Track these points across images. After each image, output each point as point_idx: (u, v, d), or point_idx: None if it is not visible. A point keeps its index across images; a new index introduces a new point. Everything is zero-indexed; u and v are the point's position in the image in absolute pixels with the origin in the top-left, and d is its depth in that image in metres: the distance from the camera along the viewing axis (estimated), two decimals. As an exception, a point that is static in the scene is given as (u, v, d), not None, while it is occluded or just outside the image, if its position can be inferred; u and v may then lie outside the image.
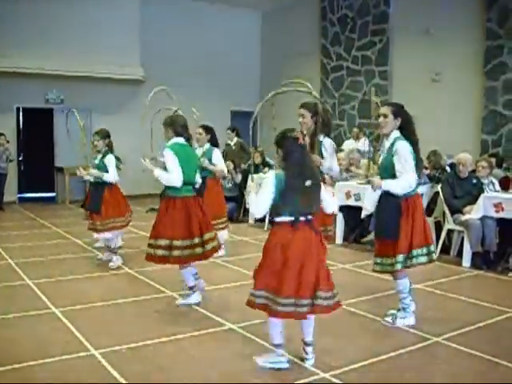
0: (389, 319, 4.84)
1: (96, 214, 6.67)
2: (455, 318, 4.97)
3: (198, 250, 5.07)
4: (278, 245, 3.69)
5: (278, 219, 3.74)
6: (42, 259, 7.27)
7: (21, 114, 14.18)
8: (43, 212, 11.64)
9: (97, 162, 6.79)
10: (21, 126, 14.31)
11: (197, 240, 5.06)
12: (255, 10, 16.02)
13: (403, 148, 4.55)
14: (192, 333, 4.50)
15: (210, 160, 7.18)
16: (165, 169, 5.15)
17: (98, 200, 6.66)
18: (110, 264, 6.75)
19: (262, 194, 3.73)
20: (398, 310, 4.86)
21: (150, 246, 5.11)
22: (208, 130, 7.40)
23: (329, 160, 5.43)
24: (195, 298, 5.32)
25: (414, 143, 4.66)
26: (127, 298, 5.49)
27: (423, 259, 4.67)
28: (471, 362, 4.02)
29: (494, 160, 8.24)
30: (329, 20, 14.00)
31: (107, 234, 6.77)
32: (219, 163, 7.29)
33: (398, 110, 4.68)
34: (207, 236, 5.14)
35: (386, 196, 4.68)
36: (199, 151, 7.15)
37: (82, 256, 7.48)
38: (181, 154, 5.10)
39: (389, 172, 4.63)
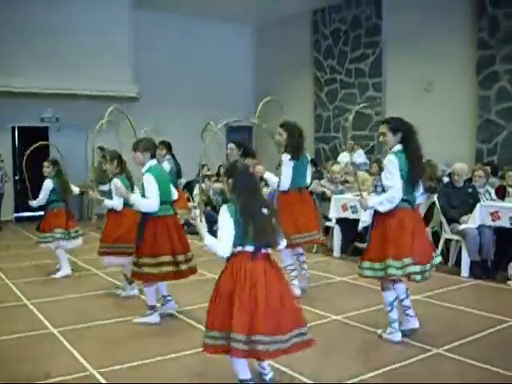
0: (379, 331, 4.84)
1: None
2: (455, 329, 4.97)
3: (176, 267, 5.13)
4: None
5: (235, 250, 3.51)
6: (39, 278, 7.24)
7: (16, 133, 14.18)
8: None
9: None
10: (16, 146, 14.32)
11: (181, 257, 5.14)
12: (248, 25, 16.09)
13: (388, 162, 4.57)
14: (194, 349, 4.45)
15: None
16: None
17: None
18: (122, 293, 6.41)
19: (223, 234, 3.46)
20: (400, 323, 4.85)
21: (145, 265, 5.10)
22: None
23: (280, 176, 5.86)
24: (154, 318, 5.30)
25: (413, 157, 4.61)
26: (125, 316, 5.46)
27: (418, 277, 4.57)
28: (473, 372, 4.00)
29: (488, 168, 8.27)
30: (321, 33, 14.08)
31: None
32: None
33: (396, 126, 4.65)
34: (189, 255, 5.25)
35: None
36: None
37: (79, 274, 7.45)
38: (159, 176, 5.14)
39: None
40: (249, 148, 7.45)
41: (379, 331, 4.84)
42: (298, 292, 6.01)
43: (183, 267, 5.16)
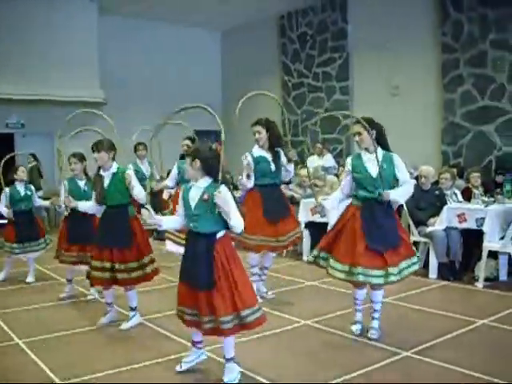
0: (373, 332, 4.85)
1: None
2: (424, 331, 4.98)
3: (148, 269, 5.13)
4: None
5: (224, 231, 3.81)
6: (4, 288, 7.08)
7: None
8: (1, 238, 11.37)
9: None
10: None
11: (147, 259, 5.13)
12: (214, 30, 16.08)
13: (398, 159, 4.83)
14: (162, 358, 4.41)
15: None
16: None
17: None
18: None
19: (236, 209, 3.70)
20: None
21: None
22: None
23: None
24: (137, 318, 5.31)
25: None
26: (92, 325, 5.36)
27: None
28: (443, 374, 4.01)
29: (455, 170, 8.36)
30: (288, 37, 14.12)
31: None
32: None
33: (370, 124, 4.72)
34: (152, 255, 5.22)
35: (380, 204, 4.70)
36: None
37: (43, 284, 7.32)
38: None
39: (390, 184, 4.75)
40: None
41: (372, 332, 4.85)
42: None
43: (148, 269, 5.14)
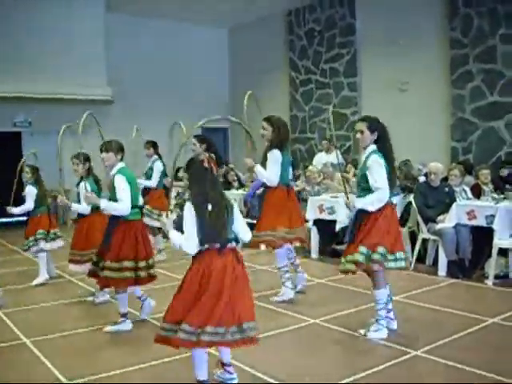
0: (362, 331, 4.82)
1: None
2: (434, 330, 4.94)
3: (136, 273, 5.04)
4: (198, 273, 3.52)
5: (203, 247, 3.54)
6: (12, 287, 7.09)
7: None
8: (13, 238, 11.38)
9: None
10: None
11: (142, 264, 5.05)
12: (221, 27, 16.02)
13: (376, 162, 4.63)
14: (165, 359, 4.37)
15: None
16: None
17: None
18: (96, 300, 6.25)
19: (187, 229, 3.51)
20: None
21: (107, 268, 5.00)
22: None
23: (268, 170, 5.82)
24: (126, 325, 5.21)
25: (390, 157, 4.76)
26: (98, 325, 5.34)
27: (392, 264, 4.69)
28: (452, 374, 3.98)
29: (462, 167, 8.29)
30: (296, 34, 14.06)
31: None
32: None
33: (374, 125, 4.72)
34: (150, 262, 5.15)
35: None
36: None
37: (53, 282, 7.32)
38: (130, 179, 5.08)
39: (362, 185, 4.72)
40: (212, 143, 7.37)
41: (362, 331, 4.82)
42: (291, 295, 6.00)
43: (142, 274, 5.06)
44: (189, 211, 3.53)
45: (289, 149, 6.14)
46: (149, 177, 8.38)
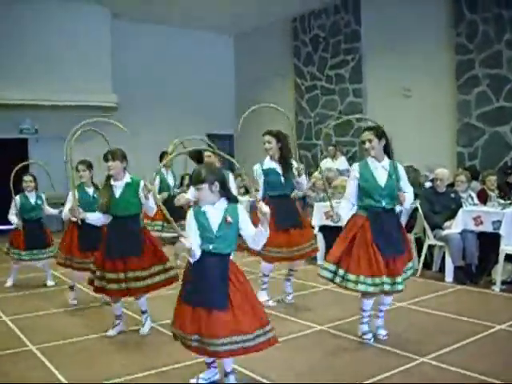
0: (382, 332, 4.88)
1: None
2: (440, 336, 4.91)
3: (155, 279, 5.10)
4: None
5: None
6: (17, 294, 7.10)
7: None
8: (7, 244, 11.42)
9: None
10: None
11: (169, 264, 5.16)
12: (227, 34, 16.07)
13: (403, 169, 4.86)
14: (176, 364, 4.37)
15: None
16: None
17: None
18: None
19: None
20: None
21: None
22: None
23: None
24: (150, 320, 5.35)
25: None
26: (106, 331, 5.32)
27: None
28: (459, 380, 3.93)
29: (469, 173, 8.27)
30: (301, 40, 14.08)
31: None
32: None
33: (381, 133, 4.72)
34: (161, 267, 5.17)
35: (389, 213, 4.72)
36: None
37: (57, 289, 7.32)
38: None
39: (394, 193, 4.69)
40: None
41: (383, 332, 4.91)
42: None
43: (173, 273, 5.19)
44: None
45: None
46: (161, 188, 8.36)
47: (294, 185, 6.01)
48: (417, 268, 7.30)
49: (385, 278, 4.52)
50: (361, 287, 4.54)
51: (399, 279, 4.57)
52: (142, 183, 5.02)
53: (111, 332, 5.26)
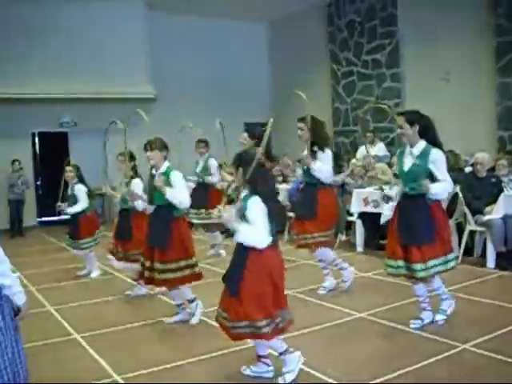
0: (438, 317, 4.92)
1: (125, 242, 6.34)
2: (482, 323, 4.87)
3: (196, 269, 5.14)
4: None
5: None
6: (62, 284, 7.27)
7: (36, 139, 14.32)
8: (63, 235, 11.66)
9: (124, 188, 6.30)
10: (37, 151, 14.48)
11: (193, 260, 5.14)
12: (261, 21, 16.01)
13: (441, 156, 4.64)
14: (216, 352, 4.43)
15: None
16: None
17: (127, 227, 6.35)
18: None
19: (260, 222, 3.57)
20: (421, 319, 4.86)
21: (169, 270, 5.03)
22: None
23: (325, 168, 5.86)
24: (199, 308, 5.35)
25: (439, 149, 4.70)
26: (148, 320, 5.44)
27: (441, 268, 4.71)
28: (502, 368, 3.90)
29: (510, 157, 8.12)
30: (336, 26, 13.95)
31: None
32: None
33: (412, 118, 4.66)
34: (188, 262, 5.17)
35: (415, 200, 4.67)
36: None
37: (101, 279, 7.47)
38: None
39: (418, 180, 4.62)
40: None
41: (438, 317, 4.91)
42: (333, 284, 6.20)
43: (197, 270, 5.16)
44: (257, 205, 3.56)
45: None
46: (202, 176, 8.45)
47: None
48: (458, 254, 7.21)
49: (399, 262, 4.67)
50: (387, 269, 4.81)
51: (417, 266, 4.58)
52: (173, 173, 5.03)
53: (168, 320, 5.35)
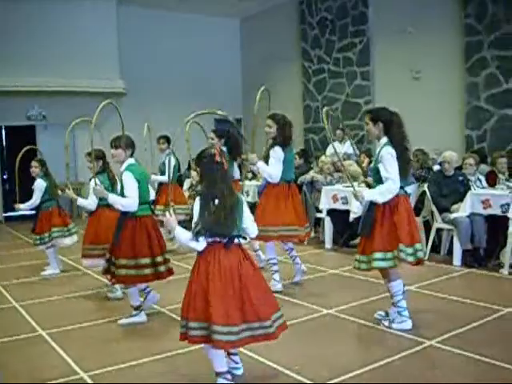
0: (386, 323, 4.80)
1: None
2: (448, 319, 4.92)
3: (155, 269, 5.05)
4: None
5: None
6: (28, 279, 7.16)
7: (3, 132, 14.08)
8: (27, 230, 11.49)
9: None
10: (4, 145, 14.24)
11: (160, 259, 5.07)
12: (233, 17, 15.95)
13: (386, 154, 4.56)
14: (182, 349, 4.39)
15: None
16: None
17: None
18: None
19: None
20: (386, 313, 4.85)
21: (123, 267, 4.98)
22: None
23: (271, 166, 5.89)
24: (140, 317, 5.21)
25: (400, 146, 4.64)
26: (112, 317, 5.37)
27: (410, 258, 4.61)
28: (467, 364, 3.96)
29: (477, 156, 8.22)
30: (308, 23, 13.97)
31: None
32: None
33: (376, 115, 4.68)
34: (166, 256, 5.18)
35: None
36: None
37: (68, 275, 7.38)
38: (139, 175, 5.04)
39: (376, 177, 4.69)
40: (231, 136, 7.31)
41: (386, 323, 4.80)
42: (278, 287, 6.01)
43: (162, 268, 5.08)
44: (198, 205, 3.52)
45: (292, 147, 6.16)
46: (163, 172, 8.34)
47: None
48: (425, 251, 7.29)
49: (358, 256, 4.81)
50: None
51: (361, 258, 4.72)
52: (124, 174, 4.98)
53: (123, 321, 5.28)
